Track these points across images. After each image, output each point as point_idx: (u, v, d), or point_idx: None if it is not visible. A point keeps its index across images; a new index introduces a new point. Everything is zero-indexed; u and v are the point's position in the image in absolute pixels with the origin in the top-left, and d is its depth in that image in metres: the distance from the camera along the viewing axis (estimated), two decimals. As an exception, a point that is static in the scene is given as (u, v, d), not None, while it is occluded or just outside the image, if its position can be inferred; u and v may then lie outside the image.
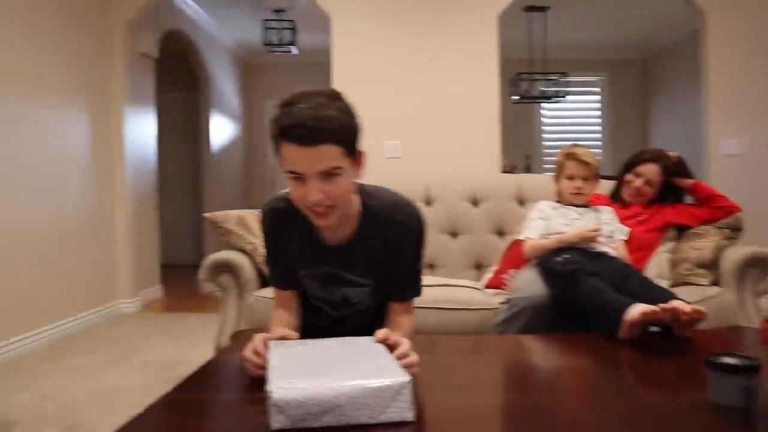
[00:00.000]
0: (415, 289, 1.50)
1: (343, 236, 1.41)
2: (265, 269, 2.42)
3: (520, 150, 7.32)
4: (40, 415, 2.49)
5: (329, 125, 1.18)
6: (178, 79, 7.31)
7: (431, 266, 2.91)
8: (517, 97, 6.27)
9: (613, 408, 1.06)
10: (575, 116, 7.79)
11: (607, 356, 1.44)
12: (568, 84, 6.29)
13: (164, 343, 3.71)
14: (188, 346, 3.65)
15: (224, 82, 7.26)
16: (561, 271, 2.01)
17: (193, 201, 7.56)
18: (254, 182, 8.15)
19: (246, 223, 2.53)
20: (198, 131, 7.01)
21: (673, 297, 1.66)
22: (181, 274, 6.74)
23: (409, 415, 0.96)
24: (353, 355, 1.10)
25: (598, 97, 7.79)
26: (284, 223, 1.43)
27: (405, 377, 0.97)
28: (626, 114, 7.72)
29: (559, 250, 2.20)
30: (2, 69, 3.37)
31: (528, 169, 7.09)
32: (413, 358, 1.14)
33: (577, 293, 1.87)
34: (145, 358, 3.37)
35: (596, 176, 2.42)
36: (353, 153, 1.27)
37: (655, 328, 1.62)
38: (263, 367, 1.12)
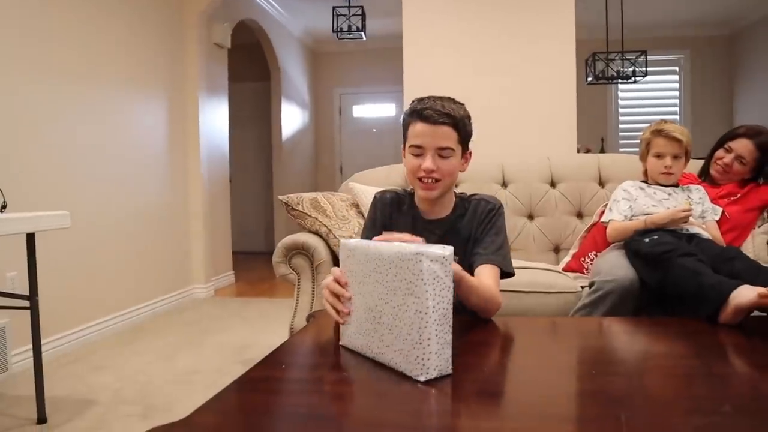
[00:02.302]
0: (500, 257, 1.55)
1: (439, 215, 1.64)
2: (339, 251, 2.41)
3: (595, 132, 7.07)
4: (120, 395, 2.56)
5: (452, 113, 1.50)
6: (249, 69, 7.42)
7: (507, 250, 2.81)
8: (591, 78, 6.03)
9: (728, 396, 0.97)
10: (653, 97, 7.44)
11: (710, 341, 1.33)
12: (646, 63, 6.00)
13: (236, 327, 3.76)
14: (260, 329, 3.69)
15: (294, 70, 7.31)
16: (651, 252, 1.89)
17: (263, 189, 7.69)
18: (323, 170, 8.21)
19: (320, 206, 2.51)
20: (269, 120, 7.09)
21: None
22: (252, 261, 6.88)
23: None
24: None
25: (676, 77, 7.42)
26: (393, 202, 1.69)
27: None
28: (708, 94, 7.32)
29: (647, 231, 2.07)
30: (83, 61, 3.47)
31: (603, 152, 6.83)
32: None
33: (670, 275, 1.75)
34: (219, 340, 3.43)
35: (687, 154, 2.26)
36: (465, 146, 1.57)
37: (759, 312, 1.48)
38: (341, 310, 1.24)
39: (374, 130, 8.18)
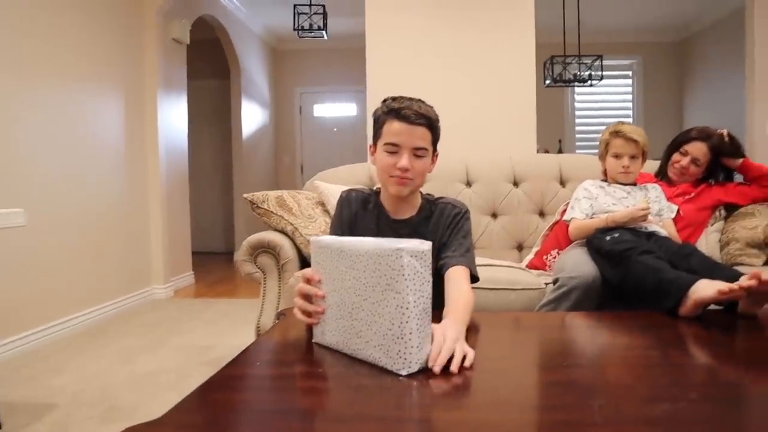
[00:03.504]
0: (467, 258, 1.57)
1: (405, 215, 1.67)
2: (307, 250, 2.40)
3: (553, 134, 7.22)
4: (80, 398, 2.50)
5: (429, 114, 1.54)
6: (208, 66, 7.33)
7: (471, 248, 2.86)
8: (549, 81, 6.16)
9: (692, 384, 1.01)
10: (608, 100, 7.65)
11: (671, 333, 1.38)
12: (602, 68, 6.16)
13: (197, 328, 3.72)
14: (222, 330, 3.66)
15: (254, 68, 7.25)
16: (613, 250, 1.94)
17: (223, 188, 7.60)
18: (283, 169, 8.15)
19: (285, 204, 2.51)
20: (228, 118, 7.01)
21: (740, 275, 1.59)
22: (212, 261, 6.80)
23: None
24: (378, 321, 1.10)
25: (630, 81, 7.64)
26: (358, 201, 1.71)
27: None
28: (660, 98, 7.56)
29: (608, 229, 2.13)
30: (38, 56, 3.38)
31: (560, 152, 6.97)
32: (451, 350, 1.08)
33: (630, 272, 1.81)
34: (180, 342, 3.38)
35: (644, 154, 2.34)
36: (435, 147, 1.61)
37: (716, 306, 1.55)
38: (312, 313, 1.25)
39: (335, 129, 8.16)
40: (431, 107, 1.59)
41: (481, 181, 2.95)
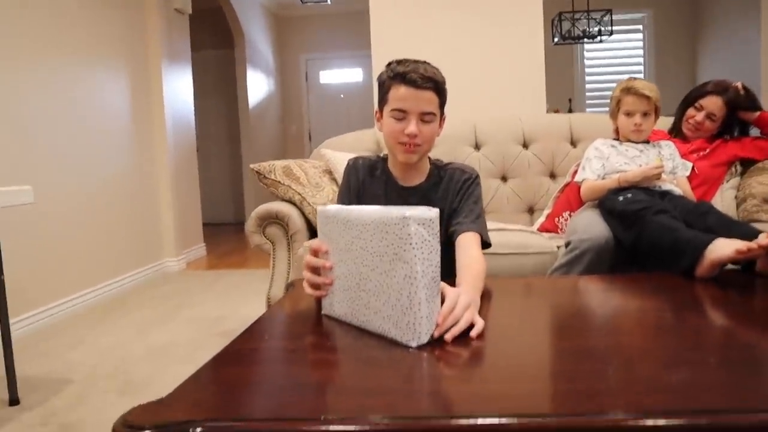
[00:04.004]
0: (479, 224, 1.55)
1: (414, 182, 1.63)
2: (315, 220, 2.38)
3: (563, 93, 7.09)
4: (96, 372, 2.52)
5: (435, 78, 1.49)
6: (212, 37, 7.25)
7: (481, 212, 2.83)
8: (558, 38, 6.03)
9: (710, 348, 0.99)
10: (618, 56, 7.47)
11: (687, 295, 1.35)
12: (612, 22, 6.01)
13: (210, 300, 3.73)
14: (234, 301, 3.67)
15: (258, 37, 7.15)
16: (626, 210, 1.90)
17: (231, 159, 7.58)
18: (291, 138, 8.11)
19: (292, 173, 2.48)
20: (234, 88, 6.96)
21: (758, 232, 1.55)
22: (222, 232, 6.81)
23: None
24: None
25: (640, 36, 7.46)
26: (366, 168, 1.68)
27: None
28: (672, 52, 7.38)
29: (620, 189, 2.09)
30: (39, 31, 3.33)
31: (571, 112, 6.86)
32: (458, 316, 1.06)
33: (645, 233, 1.77)
34: (193, 314, 3.40)
35: (657, 110, 2.28)
36: (442, 110, 1.56)
37: (733, 265, 1.52)
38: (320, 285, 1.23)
39: (342, 96, 8.08)
40: (437, 69, 1.54)
41: (489, 143, 2.89)
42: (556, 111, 6.34)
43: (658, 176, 2.11)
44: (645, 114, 2.25)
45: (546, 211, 2.70)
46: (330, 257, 1.22)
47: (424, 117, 1.48)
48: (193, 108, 5.29)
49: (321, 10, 7.38)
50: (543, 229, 2.64)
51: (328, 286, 1.22)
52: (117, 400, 2.21)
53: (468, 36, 3.80)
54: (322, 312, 1.24)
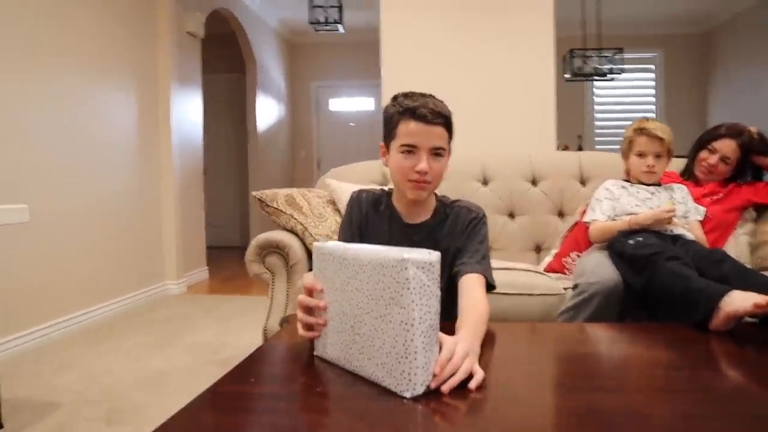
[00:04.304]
0: (483, 265, 1.49)
1: (419, 219, 1.58)
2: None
3: (572, 130, 7.06)
4: (83, 397, 2.45)
5: (445, 113, 1.46)
6: (224, 60, 7.28)
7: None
8: (570, 75, 6.02)
9: (727, 414, 0.92)
10: (629, 95, 7.47)
11: (700, 350, 1.28)
12: (623, 61, 6.01)
13: (210, 326, 3.67)
14: (234, 328, 3.60)
15: (270, 62, 7.19)
16: (636, 255, 1.84)
17: (238, 183, 7.57)
18: (300, 164, 8.10)
19: (295, 203, 2.43)
20: (244, 112, 6.97)
21: (775, 283, 1.48)
22: (227, 256, 6.75)
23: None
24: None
25: (652, 75, 7.46)
26: (370, 202, 1.64)
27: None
28: (683, 92, 7.37)
29: (631, 232, 2.03)
30: (49, 46, 3.33)
31: (580, 148, 6.82)
32: (457, 366, 0.99)
33: (656, 279, 1.70)
34: (191, 340, 3.33)
35: (669, 152, 2.22)
36: (449, 145, 1.52)
37: (750, 318, 1.45)
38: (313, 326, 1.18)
39: (351, 124, 8.09)
40: (444, 103, 1.50)
41: (498, 179, 2.85)
42: (566, 147, 6.31)
43: (669, 220, 2.05)
44: (657, 155, 2.20)
45: (553, 251, 2.64)
46: (325, 296, 1.16)
47: (434, 153, 1.45)
48: (201, 130, 5.28)
49: (333, 38, 7.40)
50: (550, 269, 2.58)
51: (322, 327, 1.16)
52: (101, 429, 2.14)
53: (479, 69, 3.79)
54: (315, 353, 1.18)
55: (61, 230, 3.43)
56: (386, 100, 3.82)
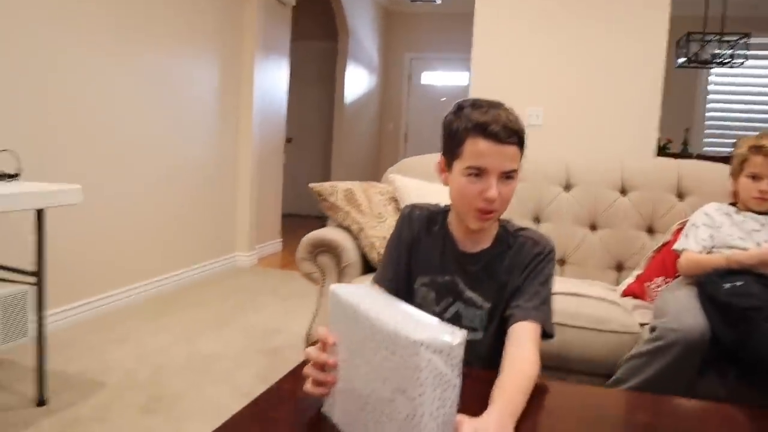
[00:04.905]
0: (542, 312, 1.27)
1: (477, 247, 1.37)
2: (371, 254, 2.17)
3: (678, 122, 6.47)
4: (130, 379, 2.44)
5: (518, 128, 1.24)
6: (316, 27, 7.17)
7: (561, 261, 2.52)
8: (684, 61, 5.49)
9: None
10: (750, 84, 6.72)
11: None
12: (747, 47, 5.38)
13: (272, 305, 3.62)
14: (293, 310, 3.54)
15: (363, 31, 7.01)
16: (731, 304, 1.56)
17: (322, 152, 7.51)
18: (386, 136, 7.95)
19: (354, 199, 2.27)
20: (333, 81, 6.86)
21: None
22: (305, 225, 6.72)
23: None
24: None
25: (779, 64, 6.70)
26: (423, 220, 1.44)
27: None
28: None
29: (728, 272, 1.73)
30: (134, 16, 3.30)
31: (686, 144, 6.25)
32: None
33: (751, 342, 1.44)
34: (247, 321, 3.28)
35: (789, 177, 1.89)
36: (520, 165, 1.29)
37: None
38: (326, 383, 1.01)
39: (443, 99, 7.81)
40: (517, 115, 1.28)
41: (582, 184, 2.57)
42: (669, 141, 5.82)
43: (780, 262, 1.74)
44: (774, 180, 1.88)
45: (636, 272, 2.36)
46: (338, 349, 1.00)
47: (506, 175, 1.25)
48: (286, 100, 5.20)
49: (430, 8, 7.14)
50: (629, 292, 2.31)
51: (332, 385, 1.00)
52: (138, 418, 2.11)
53: (576, 51, 3.45)
54: (322, 410, 1.03)
55: (134, 197, 3.44)
56: (476, 75, 3.60)
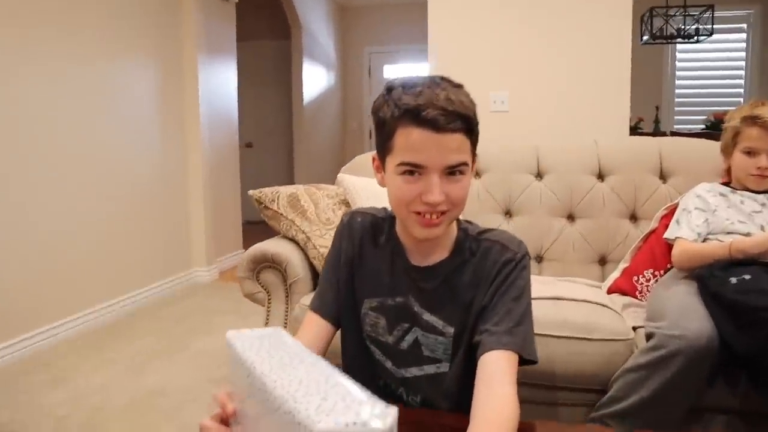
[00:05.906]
0: (518, 338, 0.99)
1: (431, 259, 1.11)
2: (321, 265, 1.90)
3: (648, 100, 6.29)
4: (61, 428, 2.13)
5: (464, 111, 0.96)
6: (266, 26, 6.87)
7: (539, 258, 2.26)
8: (648, 37, 5.30)
9: None
10: (716, 59, 6.57)
11: None
12: (713, 20, 5.21)
13: (229, 325, 3.30)
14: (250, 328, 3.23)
15: (318, 27, 6.71)
16: (739, 302, 1.32)
17: (285, 154, 7.21)
18: (351, 134, 7.68)
19: (299, 204, 1.99)
20: (290, 81, 6.56)
21: None
22: (270, 233, 6.43)
23: None
24: None
25: (744, 36, 6.55)
26: (366, 231, 1.18)
27: None
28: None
29: (732, 263, 1.49)
30: (60, 14, 2.97)
31: (657, 122, 6.07)
32: None
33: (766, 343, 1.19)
34: (200, 346, 2.98)
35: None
36: (474, 155, 1.04)
37: None
38: None
39: (406, 92, 7.57)
40: (463, 91, 1.01)
41: (555, 171, 2.31)
42: (640, 120, 5.65)
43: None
44: (772, 154, 1.64)
45: (622, 265, 2.11)
46: (241, 415, 0.74)
47: (453, 170, 0.98)
48: (236, 103, 4.88)
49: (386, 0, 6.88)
50: (616, 288, 2.06)
51: None
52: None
53: (539, 31, 3.20)
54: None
55: (74, 220, 3.12)
56: (436, 65, 3.33)
